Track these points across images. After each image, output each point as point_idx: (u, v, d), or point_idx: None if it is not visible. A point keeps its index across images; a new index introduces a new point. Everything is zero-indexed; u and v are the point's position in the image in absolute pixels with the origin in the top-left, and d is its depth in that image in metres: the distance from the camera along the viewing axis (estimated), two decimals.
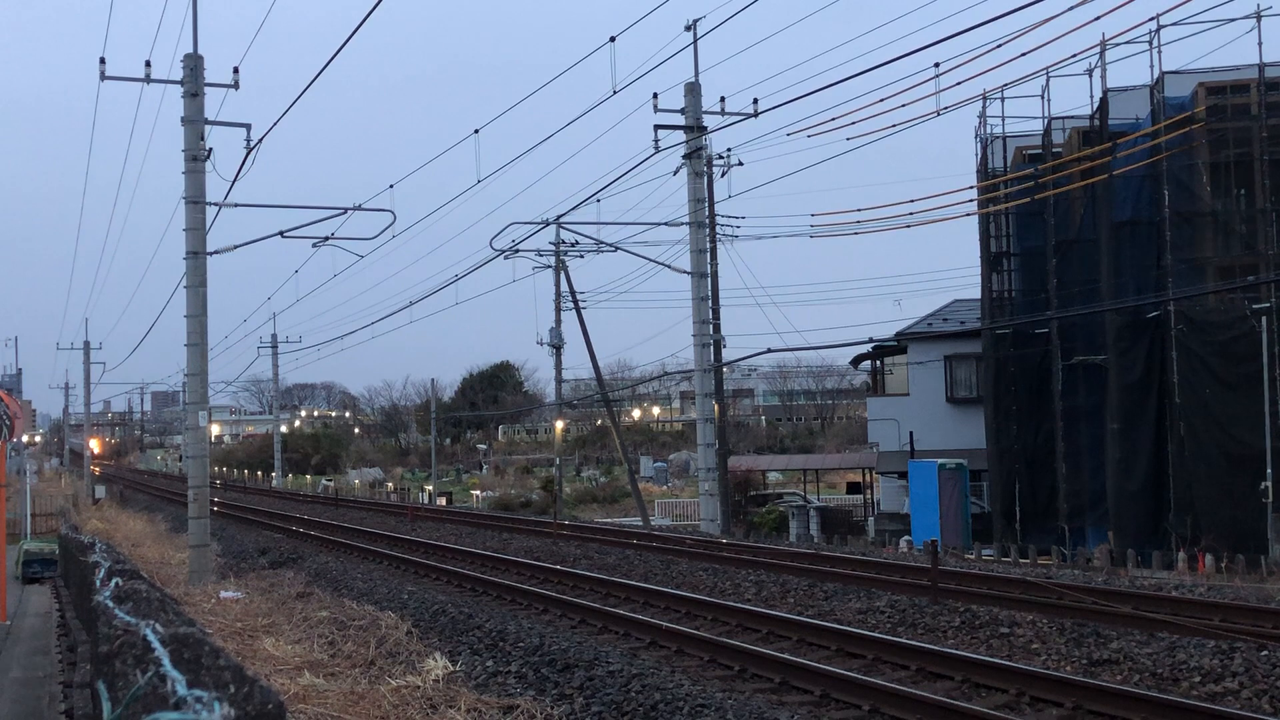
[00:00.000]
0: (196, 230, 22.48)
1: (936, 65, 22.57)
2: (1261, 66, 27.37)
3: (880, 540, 32.97)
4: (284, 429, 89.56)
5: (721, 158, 34.65)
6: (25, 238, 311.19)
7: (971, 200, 32.17)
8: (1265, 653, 10.91)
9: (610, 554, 22.89)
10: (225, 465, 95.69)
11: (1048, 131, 32.91)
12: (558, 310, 47.22)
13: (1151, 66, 28.14)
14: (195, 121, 22.29)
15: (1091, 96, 30.52)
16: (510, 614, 15.78)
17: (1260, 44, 26.90)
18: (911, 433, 37.58)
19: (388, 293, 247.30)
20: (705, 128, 27.81)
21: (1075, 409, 31.20)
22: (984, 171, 34.72)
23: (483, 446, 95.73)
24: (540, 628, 14.19)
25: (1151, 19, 26.64)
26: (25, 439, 45.00)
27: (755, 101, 27.32)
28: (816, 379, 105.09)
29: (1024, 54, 27.39)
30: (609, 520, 41.88)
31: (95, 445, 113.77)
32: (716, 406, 31.70)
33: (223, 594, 18.72)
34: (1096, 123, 30.28)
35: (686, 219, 28.97)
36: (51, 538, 29.65)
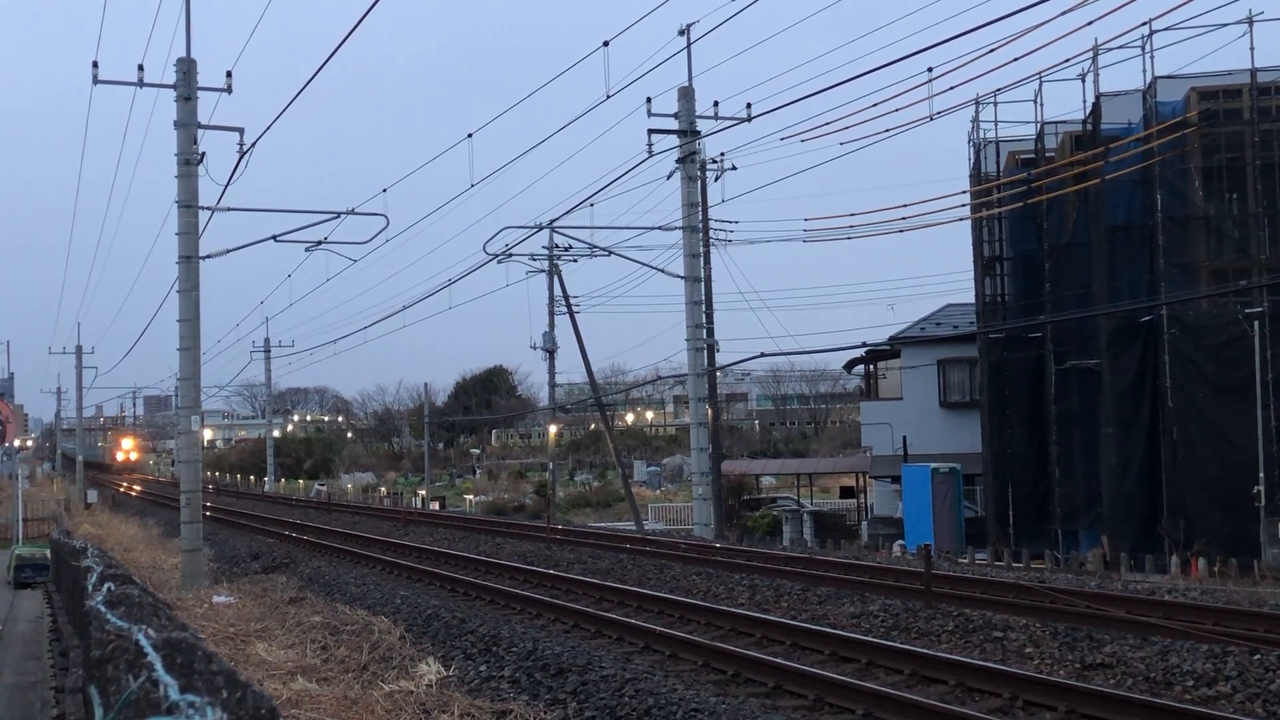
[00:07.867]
0: (189, 234, 22.44)
1: (930, 70, 22.69)
2: (1254, 71, 27.43)
3: (874, 544, 32.98)
4: (277, 433, 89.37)
5: (715, 162, 34.74)
6: (17, 242, 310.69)
7: (965, 205, 32.20)
8: (1258, 657, 10.92)
9: (603, 558, 22.87)
10: (218, 470, 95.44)
11: (1040, 136, 32.98)
12: (551, 314, 47.30)
13: (1144, 71, 28.21)
14: (188, 125, 22.24)
15: (1084, 101, 30.60)
16: (503, 618, 15.76)
17: (1252, 49, 26.96)
18: (905, 437, 37.59)
19: (381, 297, 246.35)
20: (699, 132, 27.83)
21: (1069, 413, 31.23)
22: (977, 176, 34.77)
23: (476, 451, 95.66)
24: (533, 632, 14.17)
25: (1144, 24, 26.71)
26: (17, 443, 44.87)
27: (749, 106, 27.41)
28: (810, 383, 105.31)
29: (1017, 59, 27.59)
30: (602, 524, 41.86)
31: (131, 447, 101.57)
32: (710, 411, 31.69)
33: (215, 599, 18.68)
34: (1089, 127, 30.33)
35: (680, 223, 28.96)
36: (43, 542, 29.57)
